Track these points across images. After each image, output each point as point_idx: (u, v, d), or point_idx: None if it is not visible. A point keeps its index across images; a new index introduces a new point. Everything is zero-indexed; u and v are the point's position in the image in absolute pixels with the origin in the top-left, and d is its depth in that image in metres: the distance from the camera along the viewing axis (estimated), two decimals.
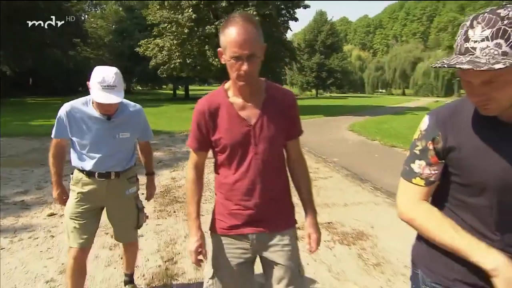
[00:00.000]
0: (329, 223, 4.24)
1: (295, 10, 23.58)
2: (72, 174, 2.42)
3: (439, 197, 1.19)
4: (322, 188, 5.86)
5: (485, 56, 0.85)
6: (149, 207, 4.73)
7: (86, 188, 2.37)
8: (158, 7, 23.44)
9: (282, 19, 23.41)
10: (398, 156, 8.88)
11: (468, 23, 0.92)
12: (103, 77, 2.11)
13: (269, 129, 1.49)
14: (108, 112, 2.28)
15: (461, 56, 0.90)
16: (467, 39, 0.90)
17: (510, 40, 0.84)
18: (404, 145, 10.28)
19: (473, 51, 0.88)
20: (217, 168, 1.61)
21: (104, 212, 2.54)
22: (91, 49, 38.12)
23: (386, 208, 4.92)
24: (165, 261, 3.31)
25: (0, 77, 25.66)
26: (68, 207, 2.38)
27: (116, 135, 2.35)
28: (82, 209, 2.37)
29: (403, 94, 71.82)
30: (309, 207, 1.68)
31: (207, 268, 1.62)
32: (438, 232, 1.07)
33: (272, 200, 1.55)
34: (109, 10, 45.81)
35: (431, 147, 1.11)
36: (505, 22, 0.85)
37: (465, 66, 0.84)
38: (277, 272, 1.57)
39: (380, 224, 4.23)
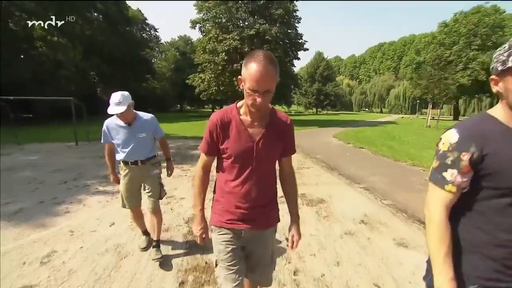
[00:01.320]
0: (302, 194, 4.57)
1: (298, 52, 23.86)
2: (119, 163, 2.63)
3: (462, 201, 0.98)
4: (305, 174, 6.07)
5: None
6: (188, 182, 5.37)
7: (126, 171, 2.59)
8: (201, 52, 23.99)
9: (289, 58, 23.67)
10: (363, 154, 9.03)
11: None
12: (113, 98, 2.31)
13: (268, 147, 1.33)
14: (126, 120, 2.44)
15: None
16: None
17: None
18: (369, 147, 10.32)
19: None
20: (220, 171, 1.42)
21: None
22: (157, 81, 39.25)
23: (344, 186, 5.24)
24: None
25: (101, 103, 27.44)
26: (121, 184, 2.64)
27: (136, 135, 2.49)
28: (127, 184, 2.61)
29: (381, 112, 69.78)
30: (294, 214, 1.50)
31: (214, 258, 1.51)
32: (437, 243, 0.95)
33: (262, 205, 1.40)
34: (169, 55, 47.13)
35: (465, 158, 0.92)
36: None
37: None
38: (255, 259, 1.46)
39: (335, 196, 4.60)
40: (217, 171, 1.45)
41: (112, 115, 2.41)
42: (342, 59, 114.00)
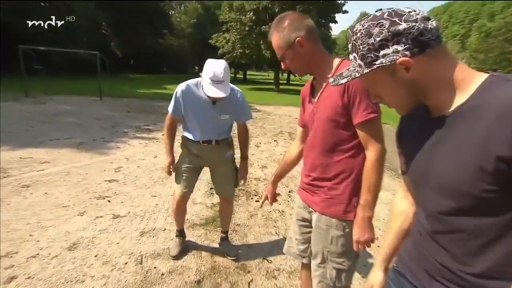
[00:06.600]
0: None
1: (335, 15, 24.11)
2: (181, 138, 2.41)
3: None
4: None
5: (352, 67, 0.77)
6: None
7: (192, 151, 2.36)
8: (227, 9, 24.54)
9: (324, 21, 23.92)
10: None
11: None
12: (214, 72, 1.97)
13: None
14: (215, 100, 2.14)
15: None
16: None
17: (359, 53, 0.72)
18: None
19: (355, 61, 0.75)
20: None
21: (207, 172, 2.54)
22: (174, 38, 39.71)
23: None
24: None
25: (114, 58, 28.97)
26: (177, 163, 2.43)
27: (218, 116, 2.24)
28: (186, 166, 2.38)
29: None
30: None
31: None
32: None
33: None
34: (190, 7, 47.11)
35: None
36: (354, 37, 0.72)
37: (337, 83, 0.78)
38: None
39: None
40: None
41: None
42: None
